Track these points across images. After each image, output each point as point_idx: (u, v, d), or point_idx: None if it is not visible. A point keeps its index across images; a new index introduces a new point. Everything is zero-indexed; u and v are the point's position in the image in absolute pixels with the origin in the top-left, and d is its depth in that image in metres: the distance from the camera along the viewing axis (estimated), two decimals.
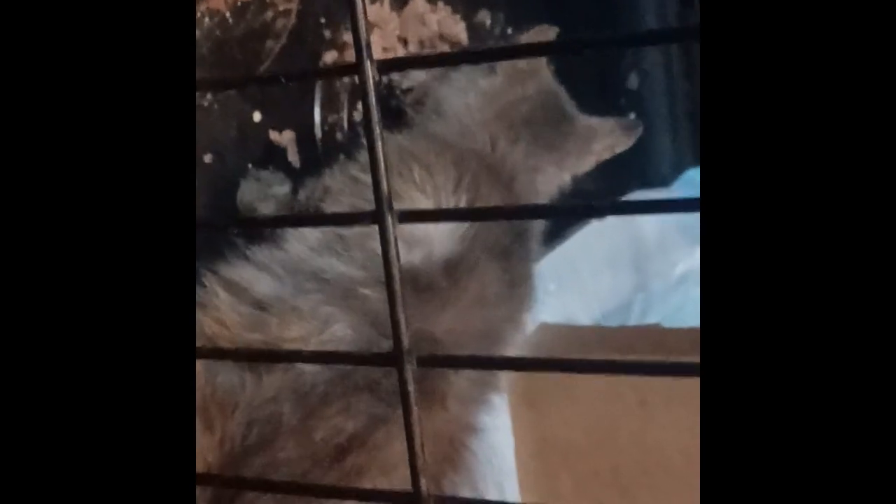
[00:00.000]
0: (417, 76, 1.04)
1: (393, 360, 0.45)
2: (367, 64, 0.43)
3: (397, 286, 0.45)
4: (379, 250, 0.80)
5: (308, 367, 0.77)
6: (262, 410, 0.76)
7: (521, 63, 0.99)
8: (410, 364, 0.45)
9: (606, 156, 1.03)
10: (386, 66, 0.45)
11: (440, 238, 0.84)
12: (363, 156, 0.94)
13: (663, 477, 0.96)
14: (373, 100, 0.43)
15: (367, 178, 0.87)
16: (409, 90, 1.05)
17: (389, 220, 0.44)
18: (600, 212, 0.39)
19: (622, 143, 1.03)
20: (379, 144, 0.43)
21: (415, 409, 0.45)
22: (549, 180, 0.99)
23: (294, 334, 0.79)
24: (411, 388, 0.45)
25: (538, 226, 0.96)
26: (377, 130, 0.43)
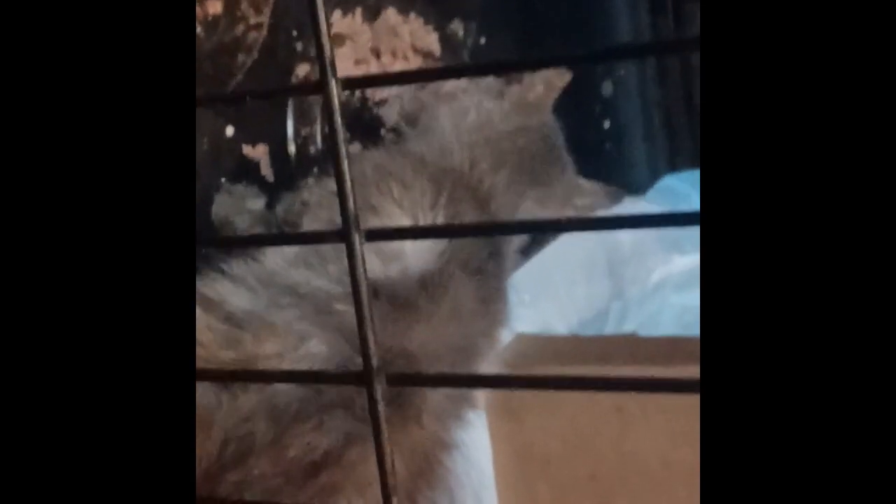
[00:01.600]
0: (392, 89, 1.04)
1: (362, 378, 0.45)
2: (332, 82, 0.43)
3: (366, 304, 0.45)
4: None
5: (282, 385, 0.76)
6: (238, 429, 0.76)
7: (531, 96, 1.01)
8: (380, 383, 0.45)
9: (585, 213, 1.05)
10: (351, 84, 0.45)
11: (417, 253, 0.84)
12: None
13: (641, 484, 0.96)
14: (338, 119, 0.43)
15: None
16: (384, 102, 1.05)
17: (357, 238, 0.44)
18: (573, 227, 0.39)
19: (602, 206, 1.05)
20: (345, 163, 0.43)
21: (384, 428, 0.45)
22: (527, 213, 0.99)
23: (269, 351, 0.78)
24: (381, 407, 0.45)
25: (512, 243, 0.97)
26: (343, 149, 0.44)
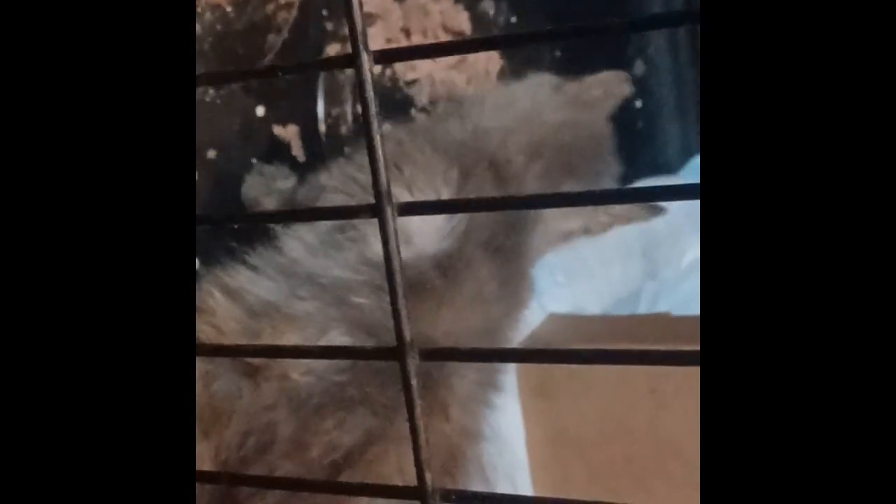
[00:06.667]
0: (422, 66, 1.04)
1: (395, 353, 0.45)
2: (364, 55, 0.43)
3: (399, 279, 0.44)
4: (371, 252, 0.79)
5: (302, 378, 0.76)
6: (259, 419, 0.75)
7: (586, 96, 1.01)
8: (413, 358, 0.44)
9: (619, 224, 1.05)
10: (383, 57, 0.44)
11: (426, 235, 0.83)
12: (360, 154, 0.93)
13: (677, 465, 0.95)
14: (370, 92, 0.43)
15: (362, 176, 0.87)
16: (414, 82, 1.05)
17: (389, 212, 0.44)
18: (604, 200, 0.38)
19: (639, 218, 1.04)
20: (377, 137, 0.43)
21: (418, 403, 0.44)
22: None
23: (289, 343, 0.77)
24: (414, 381, 0.44)
25: (536, 221, 0.96)
26: (375, 124, 0.43)
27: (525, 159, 0.95)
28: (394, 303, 0.45)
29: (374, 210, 0.44)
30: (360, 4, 0.43)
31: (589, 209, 1.01)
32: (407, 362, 0.44)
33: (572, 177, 0.98)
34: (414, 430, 0.44)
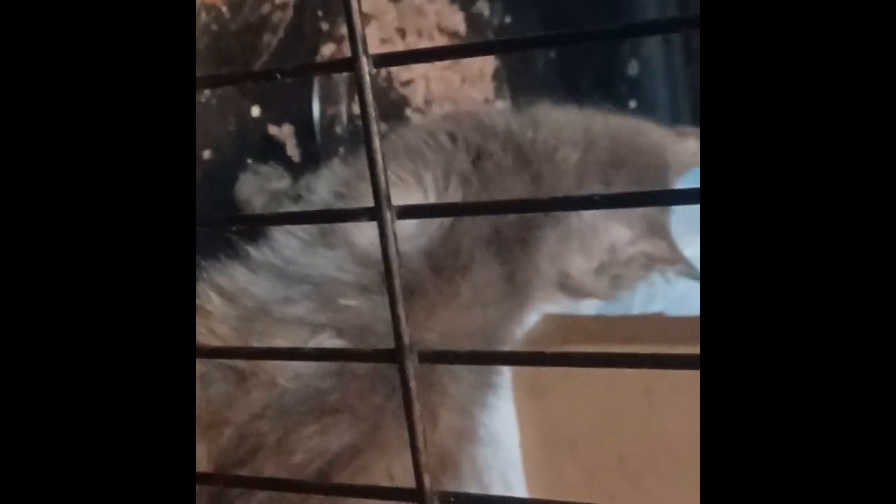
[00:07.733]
0: (417, 66, 1.04)
1: (394, 356, 0.45)
2: (363, 59, 0.43)
3: (397, 282, 0.44)
4: (358, 250, 0.78)
5: (289, 385, 0.75)
6: (249, 426, 0.75)
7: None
8: (412, 360, 0.45)
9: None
10: (382, 61, 0.44)
11: (415, 231, 0.80)
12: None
13: (670, 464, 0.95)
14: (369, 96, 0.43)
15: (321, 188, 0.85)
16: (409, 82, 1.05)
17: (388, 216, 0.44)
18: (605, 204, 0.38)
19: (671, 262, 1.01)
20: (376, 140, 0.43)
21: (416, 406, 0.44)
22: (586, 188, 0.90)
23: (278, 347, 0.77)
24: (413, 384, 0.44)
25: (553, 217, 0.89)
26: (374, 126, 0.43)
27: (572, 146, 0.89)
28: (392, 306, 0.45)
29: (373, 213, 0.44)
30: (360, 8, 0.43)
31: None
32: (406, 365, 0.44)
33: (619, 169, 0.92)
34: (413, 433, 0.44)
